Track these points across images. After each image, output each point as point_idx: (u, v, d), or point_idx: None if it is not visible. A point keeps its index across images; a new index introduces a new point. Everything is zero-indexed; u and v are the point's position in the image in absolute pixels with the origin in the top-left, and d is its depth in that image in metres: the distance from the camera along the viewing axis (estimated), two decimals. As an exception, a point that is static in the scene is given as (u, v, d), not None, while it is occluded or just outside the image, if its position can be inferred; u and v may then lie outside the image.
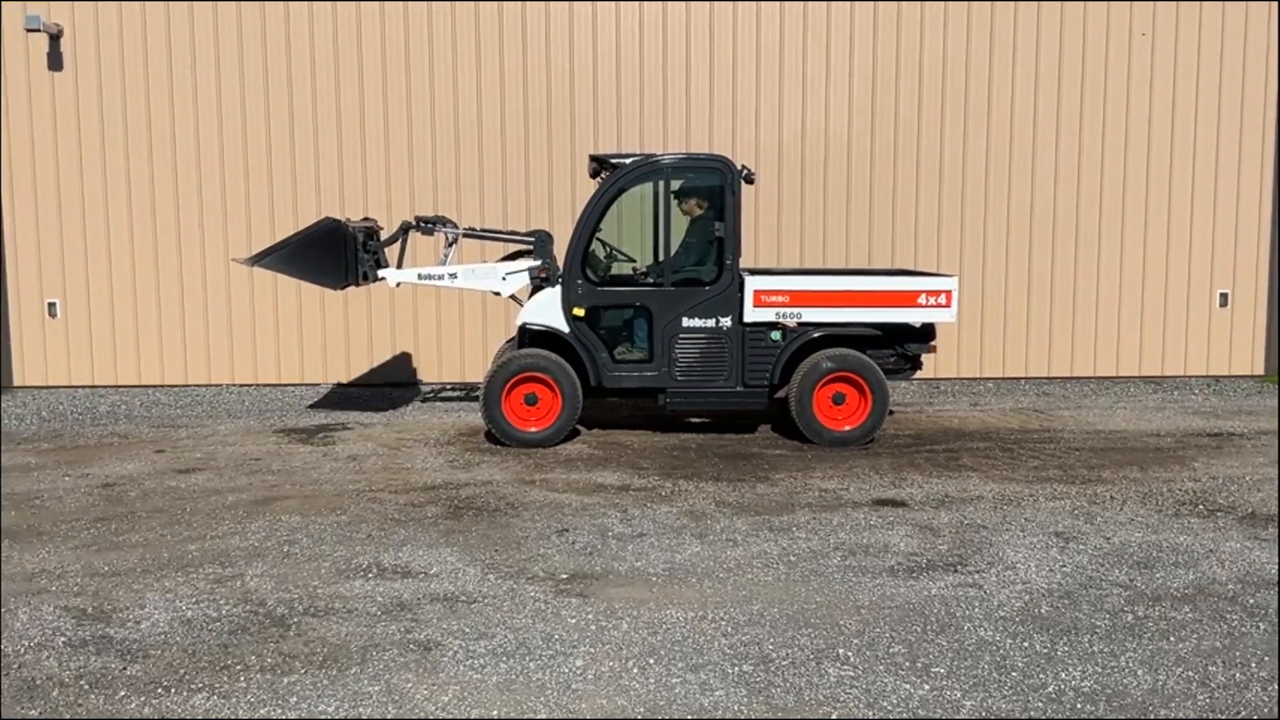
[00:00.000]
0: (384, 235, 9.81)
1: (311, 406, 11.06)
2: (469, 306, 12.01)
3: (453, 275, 9.44)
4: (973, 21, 12.02)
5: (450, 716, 4.35)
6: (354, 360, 12.09)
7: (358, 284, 9.43)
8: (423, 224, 9.72)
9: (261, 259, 9.22)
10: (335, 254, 9.17)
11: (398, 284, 9.59)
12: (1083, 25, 12.07)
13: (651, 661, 4.85)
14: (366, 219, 10.10)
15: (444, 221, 9.78)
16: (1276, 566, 6.08)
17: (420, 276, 9.47)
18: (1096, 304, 12.44)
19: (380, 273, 9.48)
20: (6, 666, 4.78)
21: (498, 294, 9.60)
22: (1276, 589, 5.71)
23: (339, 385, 12.08)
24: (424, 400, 11.46)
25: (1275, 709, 4.38)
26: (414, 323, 12.07)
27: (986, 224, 12.27)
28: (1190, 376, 12.61)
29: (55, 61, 11.60)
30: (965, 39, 12.03)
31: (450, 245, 9.67)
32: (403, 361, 12.15)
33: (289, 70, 11.71)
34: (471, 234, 9.92)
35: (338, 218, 9.62)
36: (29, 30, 11.35)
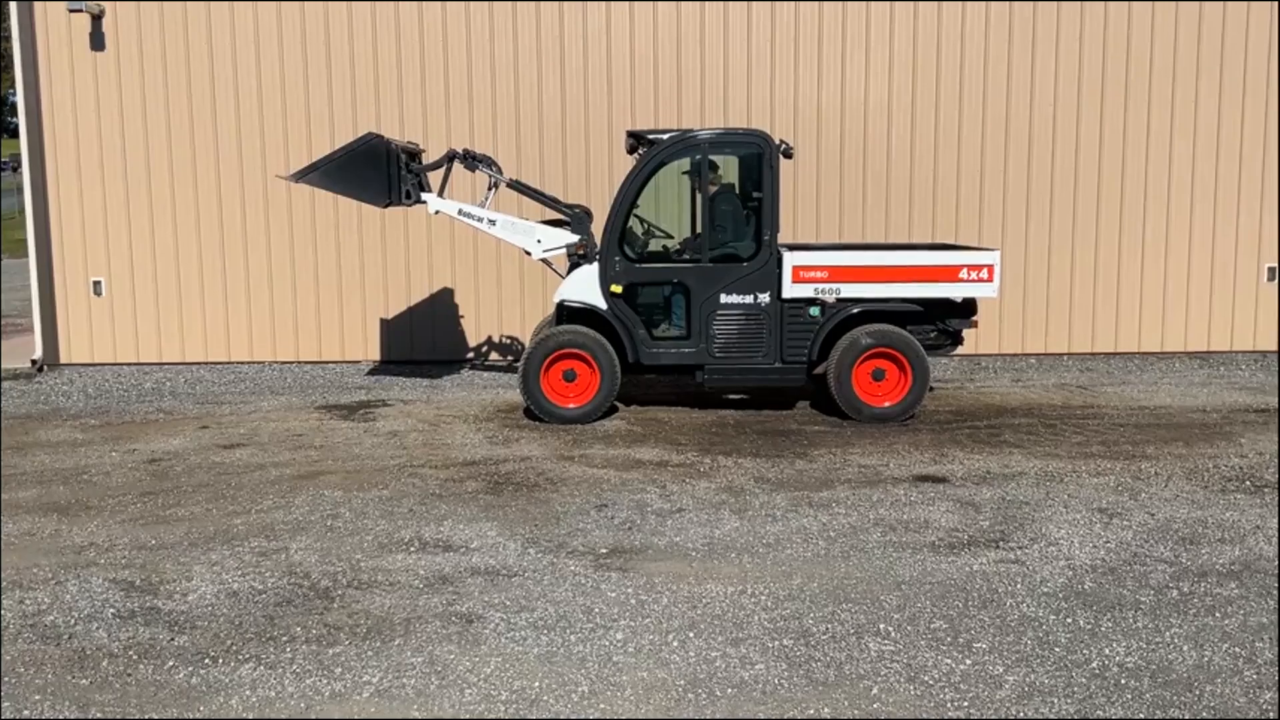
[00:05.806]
0: (426, 160, 9.90)
1: (352, 383, 11.14)
2: (508, 289, 12.02)
3: (491, 222, 9.51)
4: (1015, -8, 11.85)
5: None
6: (394, 338, 12.16)
7: (400, 203, 9.49)
8: (469, 157, 9.79)
9: (305, 175, 9.31)
10: (378, 169, 9.21)
11: (436, 211, 9.66)
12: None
13: (691, 635, 4.86)
14: (410, 142, 10.10)
15: (490, 162, 9.85)
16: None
17: (460, 212, 9.54)
18: (1141, 278, 12.24)
19: (423, 196, 9.59)
20: (58, 637, 4.88)
21: (528, 254, 9.66)
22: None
23: (379, 362, 12.16)
24: (471, 369, 11.53)
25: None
26: (455, 300, 12.10)
27: (1030, 197, 12.09)
28: (1237, 352, 12.39)
29: (98, 41, 11.70)
30: (1009, 8, 11.83)
31: (492, 189, 9.74)
32: (443, 340, 12.19)
33: (328, 48, 11.73)
34: (517, 186, 9.95)
35: (380, 133, 9.64)
36: (72, 11, 11.46)
